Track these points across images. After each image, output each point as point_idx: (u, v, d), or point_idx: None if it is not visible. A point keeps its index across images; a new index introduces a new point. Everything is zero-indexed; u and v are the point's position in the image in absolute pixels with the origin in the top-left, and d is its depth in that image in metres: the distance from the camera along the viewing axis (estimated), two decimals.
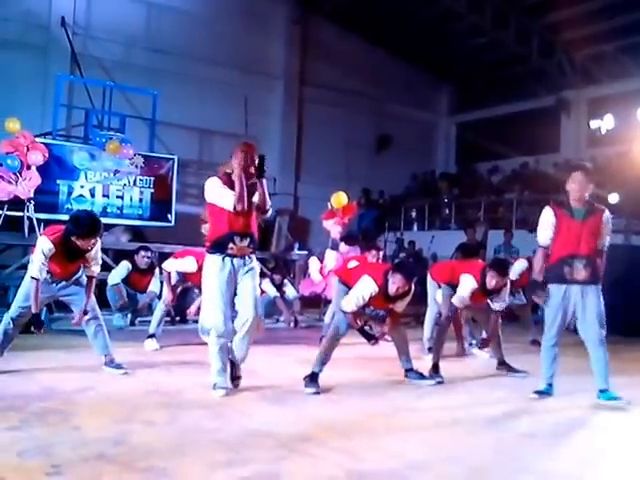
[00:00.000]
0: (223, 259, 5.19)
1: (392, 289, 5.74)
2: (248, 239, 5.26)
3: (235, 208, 5.13)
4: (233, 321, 5.27)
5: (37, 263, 5.58)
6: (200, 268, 7.80)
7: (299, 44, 18.24)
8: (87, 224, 5.59)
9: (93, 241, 5.68)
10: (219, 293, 5.16)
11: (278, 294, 10.44)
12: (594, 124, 16.49)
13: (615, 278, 7.20)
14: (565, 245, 5.34)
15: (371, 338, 5.99)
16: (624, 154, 15.21)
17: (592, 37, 16.95)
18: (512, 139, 18.65)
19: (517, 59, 18.25)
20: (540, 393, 5.45)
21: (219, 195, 5.23)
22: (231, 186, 5.22)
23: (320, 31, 18.33)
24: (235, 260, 5.21)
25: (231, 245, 5.18)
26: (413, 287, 5.91)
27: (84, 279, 5.96)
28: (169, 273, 7.82)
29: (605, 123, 16.21)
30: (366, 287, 5.79)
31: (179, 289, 8.17)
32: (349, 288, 6.09)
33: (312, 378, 5.72)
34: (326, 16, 18.30)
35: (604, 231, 5.39)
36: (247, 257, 5.29)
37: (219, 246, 5.22)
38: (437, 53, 19.16)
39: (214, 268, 5.22)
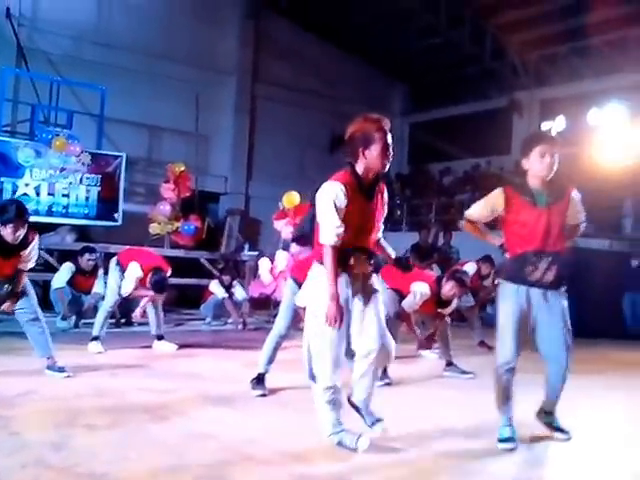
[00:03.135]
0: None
1: None
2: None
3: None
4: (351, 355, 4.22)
5: None
6: (145, 272, 7.72)
7: (252, 40, 17.98)
8: (8, 209, 5.44)
9: (18, 233, 5.48)
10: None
11: (227, 295, 10.31)
12: (546, 126, 16.63)
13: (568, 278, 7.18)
14: (526, 239, 4.24)
15: None
16: (575, 156, 15.34)
17: (544, 39, 17.06)
18: (464, 140, 18.73)
19: (470, 60, 18.29)
20: (505, 441, 4.21)
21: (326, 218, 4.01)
22: (361, 190, 4.03)
23: (274, 27, 18.11)
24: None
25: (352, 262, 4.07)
26: None
27: (27, 285, 5.83)
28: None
29: (556, 125, 16.37)
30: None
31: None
32: (299, 285, 5.97)
33: (259, 380, 5.61)
34: (281, 12, 18.08)
35: (575, 211, 4.38)
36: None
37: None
38: (391, 52, 19.09)
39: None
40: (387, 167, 4.06)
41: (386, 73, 20.60)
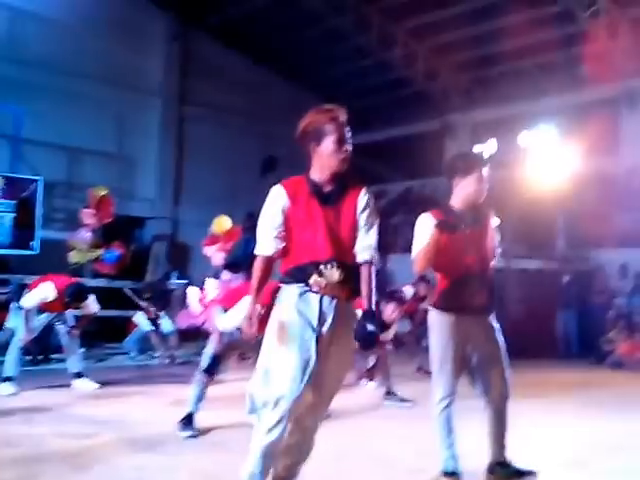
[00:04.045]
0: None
1: None
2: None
3: None
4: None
5: None
6: (60, 294, 7.20)
7: (179, 60, 17.51)
8: None
9: None
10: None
11: (152, 327, 9.80)
12: (478, 148, 16.60)
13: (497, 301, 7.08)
14: (456, 262, 4.08)
15: (213, 373, 5.46)
16: (507, 178, 15.36)
17: (475, 61, 17.23)
18: (398, 163, 18.64)
19: (402, 82, 18.27)
20: (450, 475, 4.06)
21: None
22: (315, 193, 3.54)
23: (202, 47, 17.68)
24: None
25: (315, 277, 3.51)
26: None
27: None
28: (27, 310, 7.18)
29: (488, 147, 16.39)
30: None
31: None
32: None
33: (188, 420, 5.31)
34: (209, 32, 17.70)
35: (493, 237, 4.27)
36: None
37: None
38: (323, 73, 18.92)
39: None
40: (344, 164, 3.54)
41: (318, 94, 20.30)
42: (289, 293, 3.42)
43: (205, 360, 5.50)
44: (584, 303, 12.50)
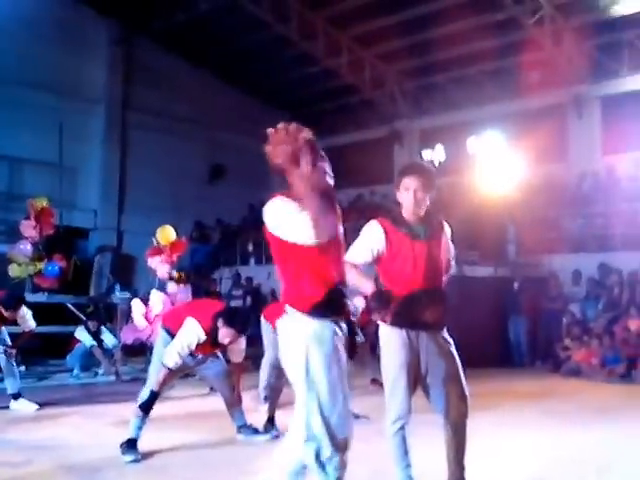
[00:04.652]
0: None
1: (222, 340, 5.05)
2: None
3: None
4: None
5: None
6: None
7: (122, 66, 17.22)
8: None
9: None
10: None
11: (95, 343, 9.45)
12: (426, 155, 16.59)
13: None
14: (406, 275, 3.82)
15: (148, 410, 5.16)
16: (455, 184, 15.37)
17: (422, 68, 17.23)
18: (347, 170, 18.46)
19: (349, 89, 18.20)
20: None
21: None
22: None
23: (146, 53, 17.40)
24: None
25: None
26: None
27: None
28: None
29: (436, 154, 16.39)
30: (191, 334, 5.02)
31: None
32: (173, 336, 5.28)
33: (130, 444, 5.06)
34: (153, 38, 17.41)
35: (448, 246, 4.07)
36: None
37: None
38: (270, 81, 18.75)
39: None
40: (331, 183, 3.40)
41: (266, 102, 20.17)
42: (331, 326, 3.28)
43: (145, 393, 5.25)
44: (536, 310, 12.39)
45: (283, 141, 3.30)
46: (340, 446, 3.18)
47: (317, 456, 3.17)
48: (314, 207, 3.15)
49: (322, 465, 3.18)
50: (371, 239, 3.89)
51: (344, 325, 3.31)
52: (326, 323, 3.21)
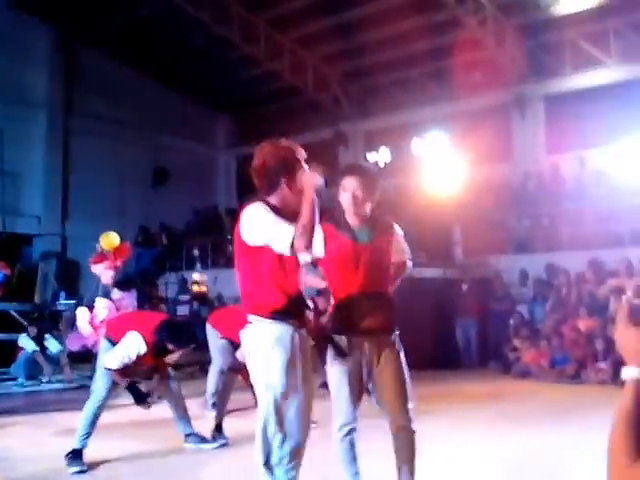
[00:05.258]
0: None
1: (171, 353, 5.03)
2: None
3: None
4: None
5: None
6: None
7: (63, 71, 17.01)
8: None
9: None
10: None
11: (37, 348, 9.28)
12: (371, 157, 16.67)
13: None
14: (348, 279, 3.73)
15: (143, 399, 5.11)
16: (401, 186, 15.45)
17: (364, 70, 17.28)
18: None
19: (293, 91, 18.15)
20: None
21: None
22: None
23: (88, 58, 17.21)
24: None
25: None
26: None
27: None
28: None
29: (381, 156, 16.46)
30: (133, 346, 4.96)
31: None
32: (114, 345, 5.20)
33: (76, 454, 4.99)
34: (94, 43, 17.19)
35: (399, 248, 3.94)
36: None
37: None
38: (211, 84, 18.67)
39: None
40: None
41: (208, 105, 20.06)
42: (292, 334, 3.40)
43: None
44: (484, 311, 12.34)
45: (282, 150, 3.49)
46: (292, 451, 3.22)
47: (266, 460, 3.23)
48: (308, 216, 3.19)
49: (270, 469, 3.22)
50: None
51: (304, 331, 3.39)
52: (285, 327, 3.30)
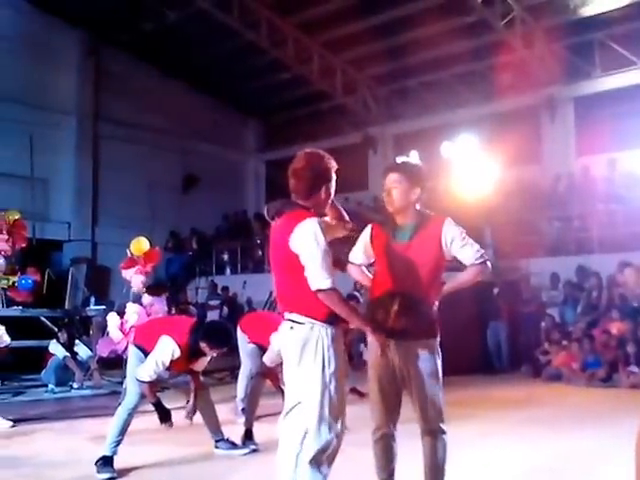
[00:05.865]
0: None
1: (209, 354, 5.03)
2: None
3: None
4: None
5: None
6: None
7: (93, 77, 17.11)
8: None
9: None
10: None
11: (68, 354, 9.32)
12: (400, 160, 16.53)
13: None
14: (381, 279, 3.70)
15: (168, 418, 5.08)
16: (432, 189, 15.29)
17: (394, 73, 17.20)
18: None
19: (321, 95, 18.12)
20: None
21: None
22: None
23: (117, 64, 17.28)
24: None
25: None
26: None
27: None
28: None
29: (410, 159, 16.31)
30: (166, 350, 4.92)
31: None
32: (146, 353, 5.15)
33: (106, 461, 4.96)
34: (124, 48, 17.30)
35: (456, 246, 3.66)
36: None
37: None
38: (241, 89, 18.70)
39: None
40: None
41: (237, 110, 20.12)
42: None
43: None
44: (514, 314, 12.19)
45: (326, 158, 3.61)
46: (335, 450, 3.38)
47: (314, 457, 3.30)
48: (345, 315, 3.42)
49: (317, 466, 3.31)
50: (360, 242, 3.92)
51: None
52: (338, 330, 3.45)
